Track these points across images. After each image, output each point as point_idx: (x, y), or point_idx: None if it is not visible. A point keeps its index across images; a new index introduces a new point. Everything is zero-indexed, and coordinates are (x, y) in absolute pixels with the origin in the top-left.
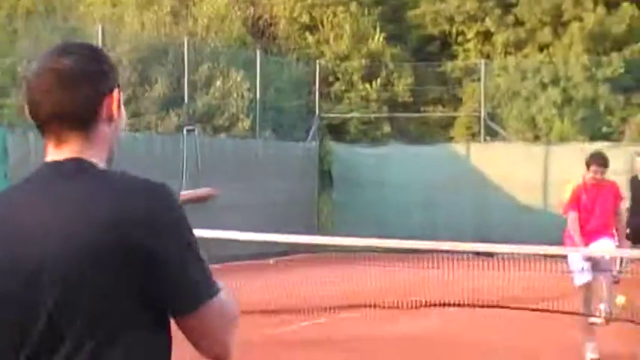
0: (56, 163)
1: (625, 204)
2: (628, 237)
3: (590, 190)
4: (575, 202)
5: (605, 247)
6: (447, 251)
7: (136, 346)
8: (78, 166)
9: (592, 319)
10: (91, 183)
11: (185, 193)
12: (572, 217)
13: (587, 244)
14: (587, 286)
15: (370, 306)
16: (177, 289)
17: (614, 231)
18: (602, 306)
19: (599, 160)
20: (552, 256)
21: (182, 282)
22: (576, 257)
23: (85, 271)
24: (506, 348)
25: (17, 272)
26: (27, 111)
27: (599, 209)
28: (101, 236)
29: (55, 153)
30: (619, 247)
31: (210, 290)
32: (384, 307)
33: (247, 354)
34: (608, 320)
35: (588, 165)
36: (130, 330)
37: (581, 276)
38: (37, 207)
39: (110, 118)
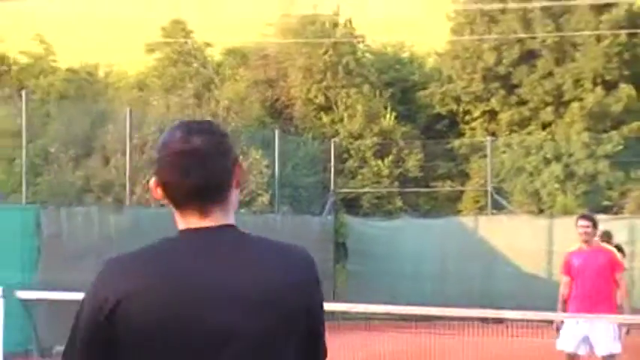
0: (210, 230)
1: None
2: None
3: (582, 254)
4: (566, 267)
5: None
6: (456, 318)
7: None
8: (233, 232)
9: None
10: (255, 249)
11: None
12: (563, 282)
13: (580, 310)
14: (571, 356)
15: None
16: (319, 342)
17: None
18: None
19: (585, 216)
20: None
21: (321, 337)
22: (569, 321)
23: (276, 331)
24: None
25: (205, 333)
26: (159, 190)
27: (590, 272)
28: (289, 300)
29: (198, 223)
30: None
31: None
32: None
33: None
34: None
35: (577, 225)
36: None
37: (564, 342)
38: (211, 271)
39: (238, 186)
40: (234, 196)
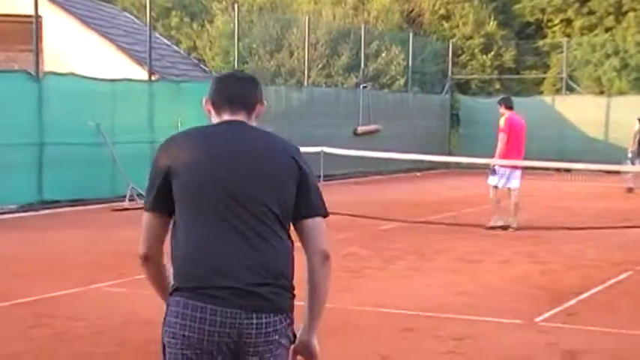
0: (235, 121)
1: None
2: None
3: None
4: None
5: None
6: (538, 168)
7: (284, 234)
8: (248, 124)
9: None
10: (265, 132)
11: (362, 127)
12: None
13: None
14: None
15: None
16: (311, 199)
17: None
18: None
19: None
20: (609, 172)
21: (314, 196)
22: None
23: (282, 172)
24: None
25: (239, 176)
26: (209, 105)
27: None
28: (290, 158)
29: (230, 117)
30: None
31: (324, 209)
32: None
33: (402, 233)
34: None
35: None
36: (286, 221)
37: None
38: (244, 139)
39: (257, 115)
40: (253, 118)
